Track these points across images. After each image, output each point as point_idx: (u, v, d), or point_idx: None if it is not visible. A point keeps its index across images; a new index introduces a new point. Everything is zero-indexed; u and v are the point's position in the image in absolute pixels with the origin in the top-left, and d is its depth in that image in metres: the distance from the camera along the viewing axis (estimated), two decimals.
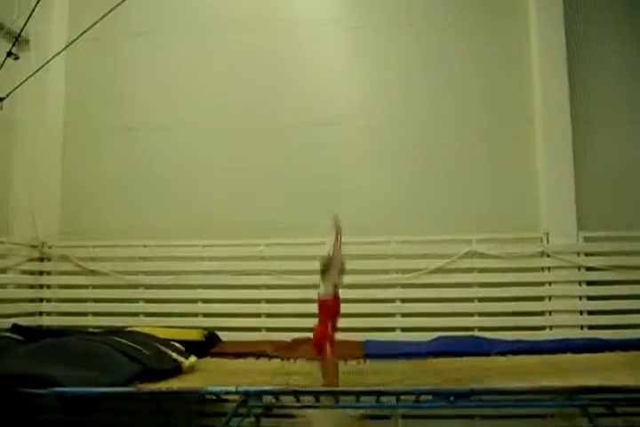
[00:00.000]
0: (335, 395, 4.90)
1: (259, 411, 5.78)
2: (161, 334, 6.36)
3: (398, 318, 7.27)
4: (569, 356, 6.22)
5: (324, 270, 5.38)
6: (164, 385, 4.92)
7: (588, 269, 7.15)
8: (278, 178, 7.77)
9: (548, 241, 7.24)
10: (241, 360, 6.46)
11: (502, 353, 6.34)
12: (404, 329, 7.23)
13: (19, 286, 7.50)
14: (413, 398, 5.15)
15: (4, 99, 6.26)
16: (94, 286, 7.73)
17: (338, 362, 5.42)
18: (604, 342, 6.58)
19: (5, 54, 6.26)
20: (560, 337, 6.83)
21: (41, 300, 7.78)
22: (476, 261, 7.27)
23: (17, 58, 6.83)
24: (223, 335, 7.16)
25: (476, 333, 7.05)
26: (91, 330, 7.23)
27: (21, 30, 6.26)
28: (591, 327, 7.01)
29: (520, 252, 7.20)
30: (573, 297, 7.13)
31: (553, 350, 6.41)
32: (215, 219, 7.72)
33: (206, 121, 8.03)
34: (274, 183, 7.77)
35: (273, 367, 5.97)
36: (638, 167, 7.47)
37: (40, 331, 7.01)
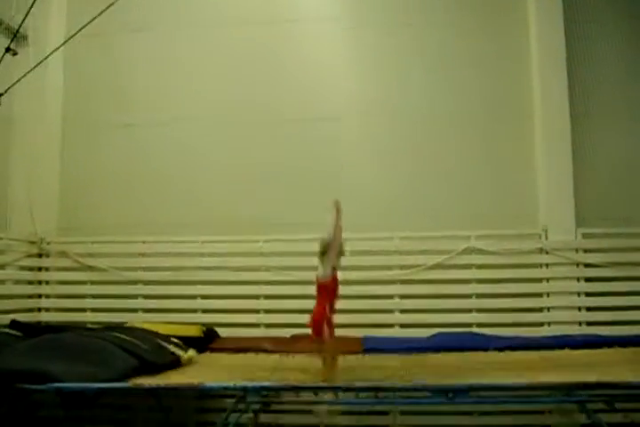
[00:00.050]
0: (334, 391, 4.91)
1: (257, 407, 5.79)
2: (160, 329, 6.36)
3: (397, 315, 7.27)
4: (567, 352, 6.22)
5: (323, 252, 5.42)
6: (162, 379, 4.92)
7: (587, 265, 7.14)
8: (278, 174, 7.76)
9: (546, 238, 7.24)
10: (240, 355, 6.45)
11: (500, 349, 6.33)
12: (402, 325, 7.23)
13: (17, 282, 7.49)
14: (412, 394, 5.21)
15: (2, 95, 6.24)
16: (93, 282, 7.72)
17: (336, 344, 5.48)
18: (602, 338, 6.57)
19: (4, 50, 6.24)
20: (558, 333, 6.82)
21: (39, 296, 7.77)
22: (474, 257, 7.27)
23: (15, 54, 6.83)
24: (222, 331, 7.15)
25: (475, 329, 7.05)
26: (89, 326, 7.23)
27: (20, 26, 6.25)
28: (589, 324, 7.01)
29: (519, 248, 7.20)
30: (572, 293, 7.13)
31: (551, 346, 6.40)
32: (214, 215, 7.72)
33: (205, 117, 8.02)
34: (273, 179, 7.76)
35: (272, 362, 5.96)
36: (637, 164, 7.46)
37: (39, 327, 7.01)
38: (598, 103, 7.55)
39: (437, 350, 6.36)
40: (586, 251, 7.18)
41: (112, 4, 5.73)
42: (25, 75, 6.19)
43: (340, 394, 5.18)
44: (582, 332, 6.90)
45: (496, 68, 7.73)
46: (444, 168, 7.65)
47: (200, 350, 6.24)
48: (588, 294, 7.11)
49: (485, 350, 6.32)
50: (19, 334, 6.39)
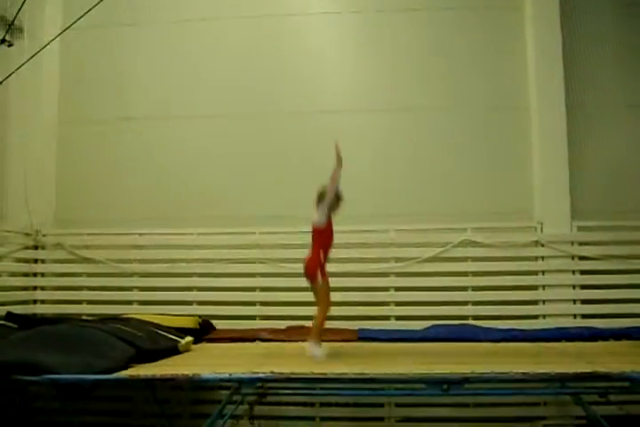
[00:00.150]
0: (328, 382, 4.92)
1: (252, 398, 5.80)
2: (156, 321, 6.37)
3: (392, 307, 7.29)
4: (562, 344, 6.23)
5: (320, 199, 5.51)
6: (158, 368, 4.92)
7: (582, 258, 7.17)
8: (275, 166, 7.77)
9: (542, 230, 7.26)
10: (235, 344, 6.48)
11: (495, 341, 6.36)
12: (398, 318, 7.25)
13: (13, 274, 7.50)
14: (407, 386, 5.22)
15: None
16: (89, 275, 7.72)
17: (329, 285, 5.59)
18: (597, 330, 6.61)
19: None
20: (554, 326, 6.85)
21: (35, 288, 7.77)
22: (470, 250, 7.29)
23: (10, 45, 6.83)
24: (218, 323, 7.15)
25: (470, 321, 7.07)
26: (85, 318, 7.23)
27: (15, 17, 6.24)
28: (585, 316, 7.04)
29: (514, 241, 7.22)
30: (567, 286, 7.16)
31: (546, 338, 6.42)
32: (210, 207, 7.73)
33: (202, 110, 8.02)
34: (271, 172, 7.76)
35: (267, 351, 5.99)
36: (632, 158, 7.48)
37: (34, 319, 7.01)
38: (594, 98, 7.58)
39: (432, 341, 6.38)
40: (581, 244, 7.21)
41: None
42: (20, 66, 6.18)
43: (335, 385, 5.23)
44: (577, 324, 6.92)
45: (493, 59, 7.77)
46: (442, 161, 7.66)
47: (196, 342, 6.25)
48: (583, 287, 7.14)
49: (480, 342, 6.33)
50: (14, 325, 6.40)
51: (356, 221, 7.14)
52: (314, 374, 4.60)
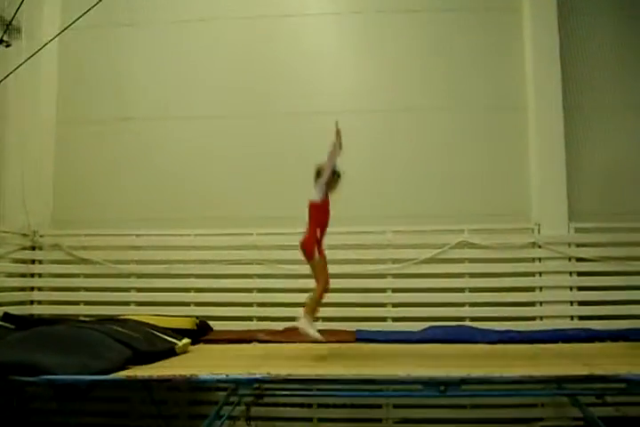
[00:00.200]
0: (326, 383, 4.92)
1: (249, 399, 5.80)
2: (153, 322, 6.36)
3: (389, 308, 7.28)
4: (559, 346, 6.24)
5: (318, 175, 5.56)
6: (155, 369, 4.92)
7: (579, 259, 7.17)
8: (273, 167, 7.76)
9: (539, 232, 7.26)
10: (232, 346, 6.48)
11: (492, 343, 6.36)
12: (395, 319, 7.24)
13: (10, 275, 7.48)
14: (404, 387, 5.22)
15: None
16: (86, 275, 7.71)
17: (326, 261, 5.65)
18: (594, 332, 6.61)
19: None
20: (551, 327, 6.85)
21: (32, 288, 7.75)
22: (467, 251, 7.28)
23: (8, 45, 6.83)
24: (215, 324, 7.14)
25: (467, 323, 7.07)
26: (82, 319, 7.22)
27: (12, 17, 6.23)
28: (581, 318, 7.04)
29: (511, 242, 7.22)
30: (564, 288, 7.15)
31: (543, 340, 6.42)
32: (208, 208, 7.73)
33: (201, 111, 8.02)
34: (268, 172, 7.76)
35: (264, 352, 5.99)
36: (629, 159, 7.49)
37: (31, 320, 7.01)
38: (591, 99, 7.58)
39: (430, 342, 6.39)
40: (578, 245, 7.21)
41: None
42: (18, 66, 6.18)
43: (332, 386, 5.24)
44: (574, 326, 6.93)
45: (490, 59, 7.78)
46: (439, 162, 7.66)
47: (193, 343, 6.24)
48: (580, 289, 7.14)
49: (478, 344, 6.34)
50: (11, 326, 6.39)
51: (354, 222, 7.16)
52: (311, 375, 4.60)
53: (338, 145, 5.54)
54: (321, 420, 6.84)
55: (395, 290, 7.31)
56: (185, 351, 5.86)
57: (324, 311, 7.12)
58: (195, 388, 6.74)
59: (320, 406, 6.81)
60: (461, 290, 7.23)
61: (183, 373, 4.62)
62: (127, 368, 4.85)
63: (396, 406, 6.74)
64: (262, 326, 7.20)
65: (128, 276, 7.65)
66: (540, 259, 7.23)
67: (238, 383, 4.77)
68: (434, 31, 7.86)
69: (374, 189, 7.62)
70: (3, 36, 6.43)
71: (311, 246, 5.56)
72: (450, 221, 7.36)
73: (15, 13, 6.13)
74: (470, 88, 7.73)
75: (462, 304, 7.20)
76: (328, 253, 5.78)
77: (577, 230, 7.22)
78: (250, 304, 7.43)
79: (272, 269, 7.39)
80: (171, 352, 5.62)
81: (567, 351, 5.84)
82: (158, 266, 7.59)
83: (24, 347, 4.82)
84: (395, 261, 7.33)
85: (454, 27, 7.82)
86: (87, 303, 7.64)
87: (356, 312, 7.20)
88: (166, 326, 6.29)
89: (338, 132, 5.56)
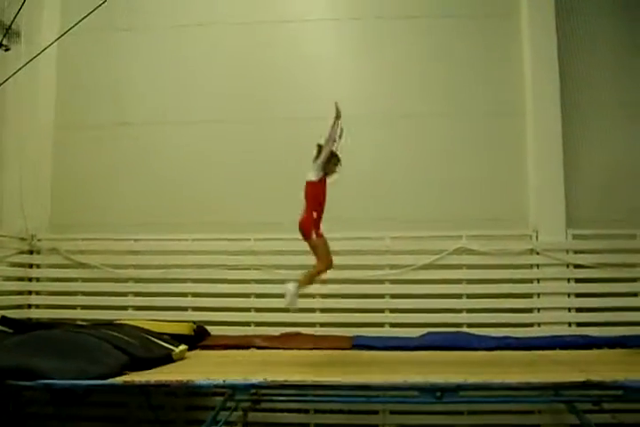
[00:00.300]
0: (323, 389, 4.92)
1: (246, 405, 5.79)
2: (150, 327, 6.36)
3: (387, 314, 7.27)
4: (557, 352, 6.24)
5: (318, 156, 5.61)
6: (152, 375, 4.92)
7: (577, 266, 7.16)
8: (272, 173, 7.74)
9: (537, 238, 7.25)
10: (230, 352, 6.47)
11: (490, 349, 6.36)
12: (392, 325, 7.23)
13: (7, 279, 7.46)
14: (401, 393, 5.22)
15: None
16: (84, 280, 7.71)
17: (327, 244, 5.70)
18: (591, 339, 6.62)
19: None
20: (548, 334, 6.85)
21: (30, 292, 7.74)
22: (465, 257, 7.28)
23: (7, 49, 6.83)
24: (212, 330, 7.15)
25: (465, 329, 7.07)
26: (80, 323, 7.20)
27: (12, 21, 6.23)
28: (579, 324, 7.03)
29: (509, 249, 7.22)
30: (562, 294, 7.15)
31: (541, 346, 6.43)
32: (206, 213, 7.71)
33: (199, 116, 8.01)
34: (267, 178, 7.74)
35: (262, 358, 5.99)
36: (628, 167, 7.48)
37: (29, 324, 6.99)
38: (590, 108, 7.58)
39: (427, 349, 6.38)
40: (576, 252, 7.21)
41: (105, 1, 5.71)
42: (17, 70, 6.18)
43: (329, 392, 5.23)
44: (572, 332, 6.92)
45: (488, 65, 7.78)
46: (437, 168, 7.66)
47: (190, 348, 6.23)
48: (578, 295, 7.13)
49: (475, 350, 6.34)
50: (9, 330, 6.38)
51: (352, 227, 7.17)
52: (308, 381, 4.60)
53: (338, 126, 5.56)
54: (318, 426, 6.83)
55: (393, 296, 7.30)
56: (182, 358, 5.85)
57: (321, 317, 7.17)
58: (192, 393, 6.72)
59: (317, 411, 6.79)
60: (459, 296, 7.22)
61: (180, 378, 4.63)
62: (124, 374, 4.85)
63: (392, 413, 6.73)
64: (260, 332, 7.19)
65: (126, 280, 7.64)
66: (537, 265, 7.22)
67: (235, 389, 4.76)
68: (433, 37, 7.87)
69: (373, 195, 7.61)
70: (2, 40, 6.44)
71: (309, 226, 5.59)
72: (448, 227, 7.35)
73: (15, 17, 6.14)
74: (469, 94, 7.73)
75: (460, 310, 7.20)
76: None
77: (575, 237, 7.22)
78: (247, 309, 7.42)
79: (270, 274, 7.38)
80: (167, 359, 5.61)
81: (564, 358, 5.84)
82: (156, 271, 7.59)
83: (21, 351, 4.82)
84: (393, 266, 7.33)
85: (453, 33, 7.83)
86: (85, 308, 7.62)
87: (353, 318, 7.20)
88: (164, 332, 6.29)
89: (338, 111, 5.60)
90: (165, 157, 7.97)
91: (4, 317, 6.68)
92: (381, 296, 7.32)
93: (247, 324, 7.38)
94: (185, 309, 7.48)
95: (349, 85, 7.87)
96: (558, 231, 7.22)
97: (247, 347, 6.65)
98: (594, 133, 7.52)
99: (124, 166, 8.01)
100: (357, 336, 6.85)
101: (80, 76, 8.24)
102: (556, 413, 6.52)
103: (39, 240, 7.79)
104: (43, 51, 6.33)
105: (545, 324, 7.09)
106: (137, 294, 7.61)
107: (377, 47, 7.94)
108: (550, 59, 7.40)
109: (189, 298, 7.52)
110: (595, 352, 6.27)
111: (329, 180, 5.75)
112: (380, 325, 7.24)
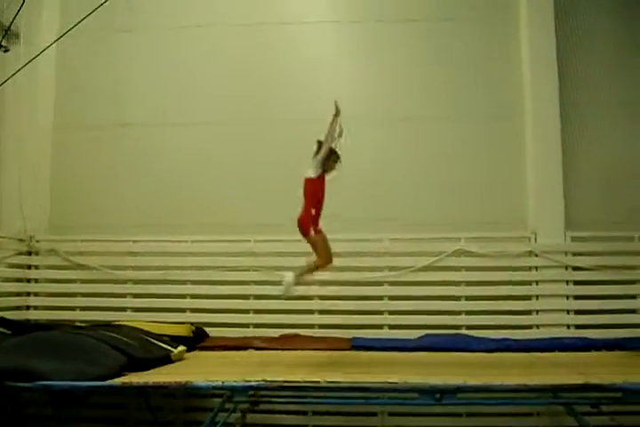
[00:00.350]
0: (321, 390, 4.91)
1: (245, 406, 5.79)
2: (149, 328, 6.36)
3: (386, 316, 7.27)
4: (555, 354, 6.24)
5: (318, 153, 5.63)
6: (151, 376, 4.91)
7: (576, 268, 7.17)
8: (271, 174, 7.73)
9: (535, 240, 7.25)
10: (228, 353, 6.47)
11: (489, 351, 6.36)
12: (391, 327, 7.23)
13: (6, 280, 7.45)
14: (400, 395, 5.21)
15: None
16: (82, 281, 7.70)
17: (327, 241, 5.71)
18: (590, 341, 6.62)
19: None
20: (547, 336, 6.85)
21: (28, 294, 7.73)
22: (464, 259, 7.28)
23: (7, 50, 6.82)
24: (211, 331, 7.15)
25: (464, 331, 7.07)
26: (78, 324, 7.20)
27: (11, 23, 6.23)
28: (578, 327, 7.04)
29: (508, 251, 7.22)
30: (561, 296, 7.15)
31: (540, 348, 6.43)
32: (205, 214, 7.71)
33: (199, 117, 8.01)
34: (267, 179, 7.74)
35: (260, 359, 5.99)
36: (626, 170, 7.49)
37: (27, 325, 6.99)
38: (589, 104, 7.59)
39: (426, 350, 6.39)
40: (575, 254, 7.21)
41: (105, 2, 5.70)
42: (16, 72, 6.17)
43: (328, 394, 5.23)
44: (571, 334, 6.93)
45: (490, 71, 7.78)
46: (436, 171, 7.66)
47: (189, 350, 6.23)
48: (576, 297, 7.13)
49: (474, 352, 6.33)
50: (7, 331, 6.38)
51: (351, 227, 7.17)
52: (306, 382, 4.59)
53: (337, 123, 5.56)
54: None
55: (391, 298, 7.30)
56: (180, 359, 5.85)
57: (320, 319, 7.16)
58: (190, 394, 6.71)
59: (315, 413, 6.78)
60: (458, 298, 7.23)
61: (179, 379, 4.62)
62: (123, 375, 4.85)
63: (391, 414, 6.73)
64: (258, 333, 7.19)
65: (124, 282, 7.64)
66: (536, 267, 7.22)
67: (234, 390, 4.76)
68: (432, 41, 7.88)
69: (372, 196, 7.61)
70: (1, 41, 6.44)
71: (307, 223, 5.60)
72: (447, 229, 7.35)
73: (14, 19, 6.13)
74: (469, 97, 7.74)
75: (459, 312, 7.20)
76: None
77: (573, 239, 7.22)
78: (246, 311, 7.42)
79: (269, 275, 7.35)
80: (166, 359, 5.61)
81: (563, 360, 5.84)
82: (155, 272, 7.58)
83: (20, 353, 4.82)
84: (392, 268, 7.32)
85: (453, 36, 7.83)
86: (83, 309, 7.62)
87: (352, 320, 7.19)
88: (163, 333, 6.29)
89: (337, 109, 5.61)
90: (165, 158, 7.97)
91: (2, 318, 6.67)
92: (380, 298, 7.31)
93: (246, 325, 7.38)
94: (184, 310, 7.47)
95: (349, 87, 7.86)
96: (557, 233, 7.22)
97: (246, 348, 6.65)
98: (593, 133, 7.53)
99: (123, 167, 8.01)
100: (356, 338, 6.85)
101: (79, 77, 8.24)
102: (555, 415, 6.51)
103: (38, 241, 7.78)
104: (42, 52, 6.33)
105: (544, 326, 7.09)
106: (136, 296, 7.60)
107: (377, 50, 7.95)
108: (549, 59, 7.41)
109: (188, 300, 7.52)
110: (593, 354, 6.27)
111: (328, 177, 5.74)
112: (379, 327, 7.24)
